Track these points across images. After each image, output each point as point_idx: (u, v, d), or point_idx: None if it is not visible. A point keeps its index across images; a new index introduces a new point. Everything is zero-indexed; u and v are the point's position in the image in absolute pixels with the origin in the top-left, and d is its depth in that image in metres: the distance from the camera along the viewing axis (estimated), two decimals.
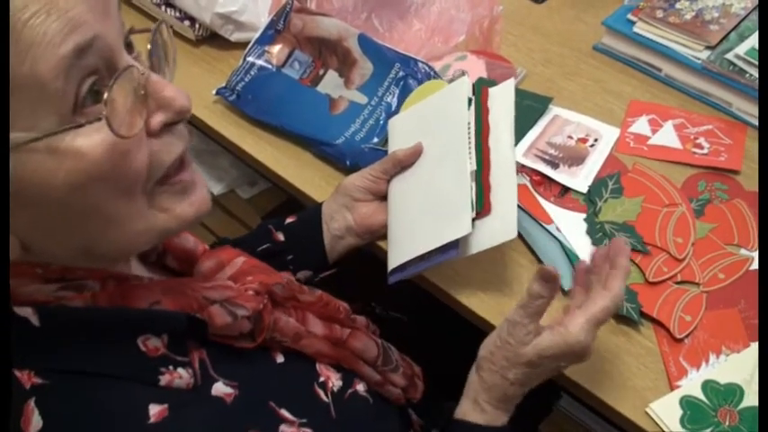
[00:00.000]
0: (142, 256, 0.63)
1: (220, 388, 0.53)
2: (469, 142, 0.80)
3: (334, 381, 0.63)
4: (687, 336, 0.76)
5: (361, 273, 0.89)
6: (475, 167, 0.79)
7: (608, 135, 0.97)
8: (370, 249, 0.87)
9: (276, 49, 1.03)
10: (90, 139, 0.43)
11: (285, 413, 0.56)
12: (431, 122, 0.86)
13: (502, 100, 0.83)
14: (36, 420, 0.45)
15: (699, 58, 1.00)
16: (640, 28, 1.05)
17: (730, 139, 0.96)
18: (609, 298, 0.64)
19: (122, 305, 0.50)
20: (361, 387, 0.66)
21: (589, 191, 0.89)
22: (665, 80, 1.05)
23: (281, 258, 0.83)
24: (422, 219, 0.81)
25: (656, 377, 0.74)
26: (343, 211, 0.84)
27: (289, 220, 0.86)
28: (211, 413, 0.52)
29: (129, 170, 0.45)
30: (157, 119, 0.48)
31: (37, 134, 0.41)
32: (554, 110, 1.00)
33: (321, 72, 1.01)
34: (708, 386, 0.72)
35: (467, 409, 0.69)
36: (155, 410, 0.48)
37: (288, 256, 0.83)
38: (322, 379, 0.62)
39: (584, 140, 0.96)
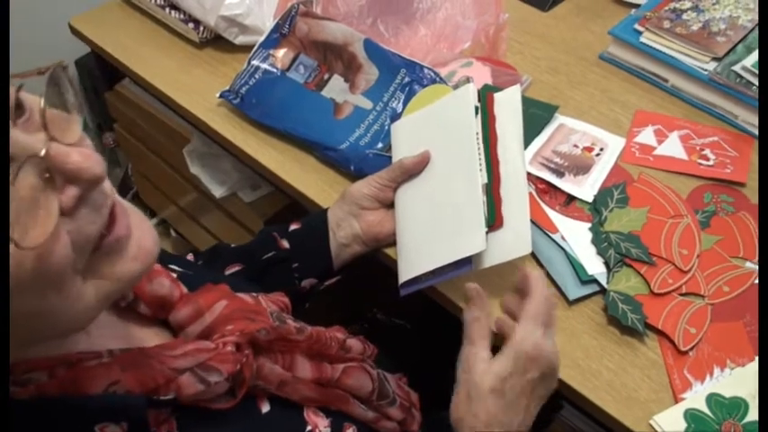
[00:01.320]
0: (113, 303, 0.54)
1: None
2: (479, 154, 0.80)
3: (322, 428, 0.60)
4: (692, 348, 0.75)
5: (364, 279, 0.88)
6: (486, 180, 0.78)
7: (614, 144, 0.97)
8: (374, 256, 0.87)
9: (281, 53, 1.02)
10: None
11: None
12: (436, 129, 0.86)
13: (508, 106, 0.82)
14: None
15: (705, 70, 1.00)
16: (647, 38, 1.05)
17: (736, 151, 0.95)
18: (535, 297, 0.68)
19: (74, 392, 0.45)
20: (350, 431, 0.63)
21: (594, 200, 0.89)
22: (671, 91, 1.05)
23: (286, 266, 0.82)
24: (433, 231, 0.80)
25: (661, 389, 0.73)
26: (350, 218, 0.83)
27: (293, 226, 0.85)
28: None
29: (49, 270, 0.38)
30: (69, 194, 0.39)
31: None
32: (560, 118, 1.00)
33: (326, 76, 1.01)
34: (712, 399, 0.72)
35: None
36: None
37: (293, 264, 0.83)
38: (309, 428, 0.59)
39: (589, 149, 0.95)
